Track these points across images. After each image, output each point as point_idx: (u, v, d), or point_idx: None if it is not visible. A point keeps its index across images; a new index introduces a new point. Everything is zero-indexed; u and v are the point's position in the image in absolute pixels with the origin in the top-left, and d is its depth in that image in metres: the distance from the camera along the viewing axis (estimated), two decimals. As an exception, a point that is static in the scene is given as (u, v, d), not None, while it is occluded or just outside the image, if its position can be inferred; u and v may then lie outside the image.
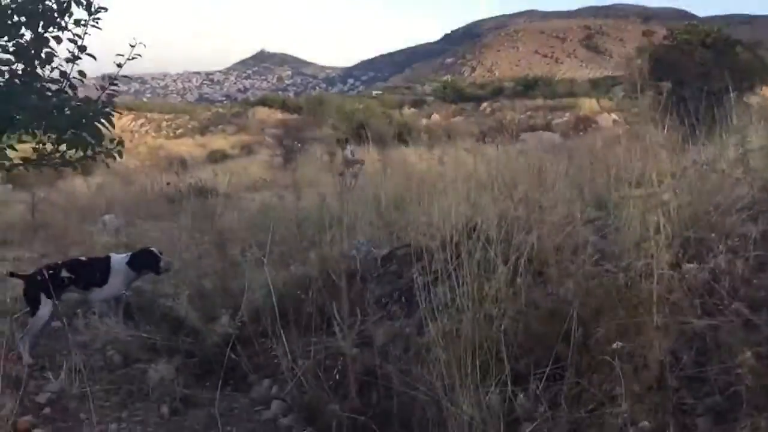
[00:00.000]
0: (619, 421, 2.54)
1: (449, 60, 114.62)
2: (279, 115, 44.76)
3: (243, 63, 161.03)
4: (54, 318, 4.46)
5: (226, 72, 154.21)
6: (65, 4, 4.41)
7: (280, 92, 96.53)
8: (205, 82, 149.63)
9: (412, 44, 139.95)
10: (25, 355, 4.23)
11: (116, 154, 4.65)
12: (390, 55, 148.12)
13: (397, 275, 4.00)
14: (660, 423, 2.49)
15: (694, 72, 12.79)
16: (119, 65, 4.61)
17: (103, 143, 4.56)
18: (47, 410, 3.55)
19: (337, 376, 3.32)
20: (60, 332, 4.49)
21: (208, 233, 5.86)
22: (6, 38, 4.30)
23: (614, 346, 2.69)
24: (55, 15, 4.38)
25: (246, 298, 3.96)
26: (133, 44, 4.56)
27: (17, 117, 4.21)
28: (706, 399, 2.58)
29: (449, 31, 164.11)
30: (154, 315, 4.60)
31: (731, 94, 7.67)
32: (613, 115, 38.13)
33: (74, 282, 4.58)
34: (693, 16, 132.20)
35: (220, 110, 51.69)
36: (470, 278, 3.22)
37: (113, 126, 4.54)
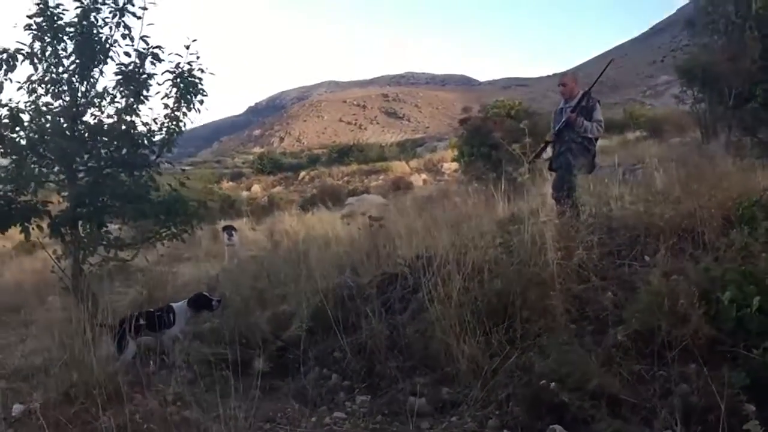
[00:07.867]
0: (547, 342, 4.81)
1: (257, 131, 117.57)
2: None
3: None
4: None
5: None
6: None
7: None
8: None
9: (217, 118, 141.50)
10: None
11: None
12: (194, 130, 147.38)
13: (382, 292, 6.04)
14: (564, 337, 4.77)
15: (506, 138, 16.16)
16: None
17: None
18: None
19: (369, 352, 5.30)
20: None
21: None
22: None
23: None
24: None
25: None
26: None
27: (109, 205, 5.62)
28: (588, 325, 4.95)
29: (253, 104, 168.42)
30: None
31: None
32: (423, 175, 42.36)
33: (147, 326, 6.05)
34: (476, 81, 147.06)
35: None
36: (441, 285, 5.40)
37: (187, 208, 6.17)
